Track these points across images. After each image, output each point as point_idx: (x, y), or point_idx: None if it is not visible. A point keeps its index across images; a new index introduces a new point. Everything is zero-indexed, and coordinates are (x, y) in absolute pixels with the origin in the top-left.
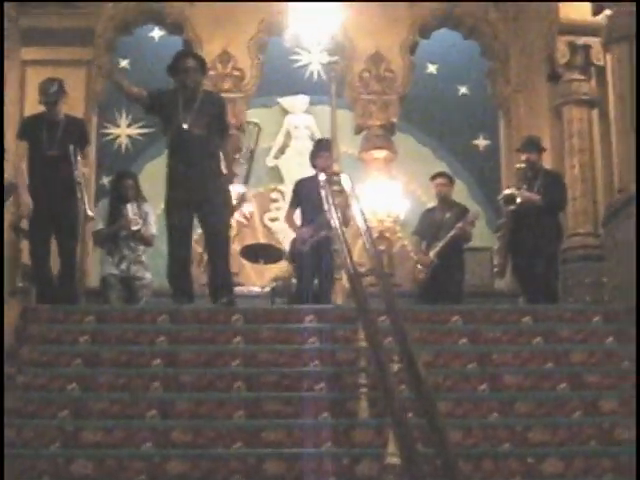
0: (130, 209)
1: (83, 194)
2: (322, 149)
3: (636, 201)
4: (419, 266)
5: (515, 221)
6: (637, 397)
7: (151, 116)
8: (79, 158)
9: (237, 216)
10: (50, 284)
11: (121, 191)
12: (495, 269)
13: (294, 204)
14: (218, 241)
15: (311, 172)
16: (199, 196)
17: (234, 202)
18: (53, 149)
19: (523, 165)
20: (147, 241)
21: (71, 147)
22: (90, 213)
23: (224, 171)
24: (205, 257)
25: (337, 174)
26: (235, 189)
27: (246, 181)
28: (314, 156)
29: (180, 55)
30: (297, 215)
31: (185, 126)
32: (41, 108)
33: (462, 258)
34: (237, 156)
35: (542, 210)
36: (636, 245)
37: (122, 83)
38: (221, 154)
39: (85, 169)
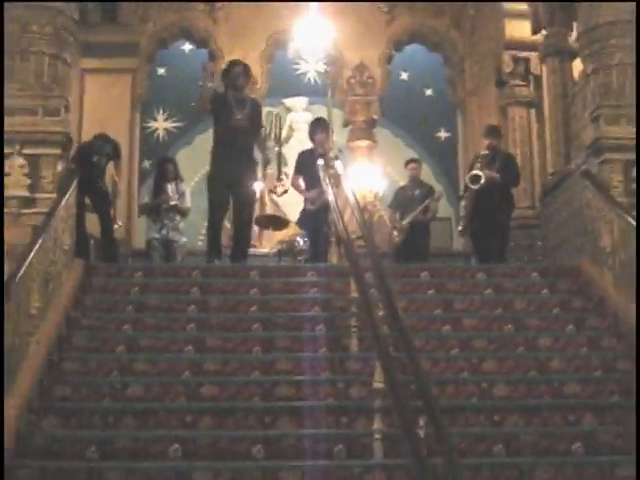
0: (170, 187)
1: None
2: (319, 127)
3: (636, 196)
4: (395, 232)
5: (477, 194)
6: (637, 383)
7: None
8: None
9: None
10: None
11: (163, 172)
12: (459, 229)
13: (297, 171)
14: (245, 213)
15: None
16: (235, 176)
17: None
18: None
19: (487, 152)
20: (183, 213)
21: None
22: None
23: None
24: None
25: (335, 157)
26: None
27: (279, 160)
28: (313, 132)
29: (231, 63)
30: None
31: (239, 117)
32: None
33: (428, 227)
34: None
35: (500, 186)
36: (636, 239)
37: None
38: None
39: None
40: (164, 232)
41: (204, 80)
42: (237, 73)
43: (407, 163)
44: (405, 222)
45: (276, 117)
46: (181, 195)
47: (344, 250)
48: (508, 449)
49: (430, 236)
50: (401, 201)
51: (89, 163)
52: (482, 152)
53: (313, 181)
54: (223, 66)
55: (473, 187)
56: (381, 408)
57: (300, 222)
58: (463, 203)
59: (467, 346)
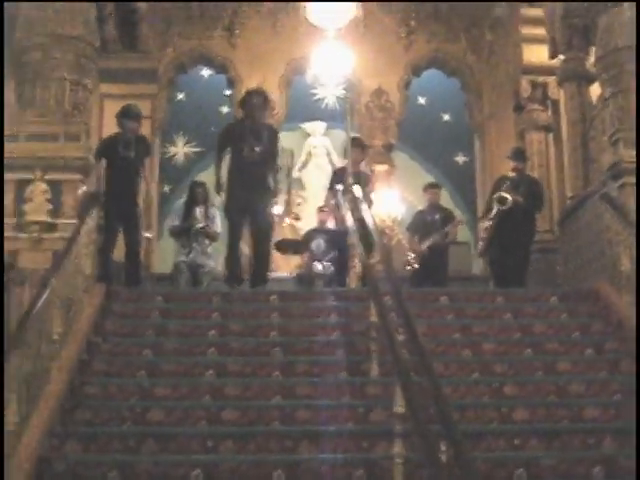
0: (198, 211)
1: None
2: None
3: (636, 205)
4: (411, 255)
5: (501, 217)
6: (637, 391)
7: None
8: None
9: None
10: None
11: (193, 196)
12: (479, 250)
13: (331, 189)
14: (263, 238)
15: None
16: (251, 203)
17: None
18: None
19: (514, 175)
20: (212, 237)
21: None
22: (148, 235)
23: (271, 185)
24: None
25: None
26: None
27: (289, 190)
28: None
29: (249, 92)
30: None
31: (256, 149)
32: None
33: (447, 252)
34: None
35: (524, 210)
36: (636, 242)
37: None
38: (269, 174)
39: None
40: (192, 256)
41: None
42: (255, 105)
43: (426, 188)
44: (424, 246)
45: (290, 153)
46: (211, 219)
47: (363, 273)
48: (529, 473)
49: (448, 261)
50: (419, 225)
51: (116, 156)
52: (509, 174)
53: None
54: (242, 93)
55: (501, 208)
56: (402, 432)
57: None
58: (485, 225)
59: (487, 370)
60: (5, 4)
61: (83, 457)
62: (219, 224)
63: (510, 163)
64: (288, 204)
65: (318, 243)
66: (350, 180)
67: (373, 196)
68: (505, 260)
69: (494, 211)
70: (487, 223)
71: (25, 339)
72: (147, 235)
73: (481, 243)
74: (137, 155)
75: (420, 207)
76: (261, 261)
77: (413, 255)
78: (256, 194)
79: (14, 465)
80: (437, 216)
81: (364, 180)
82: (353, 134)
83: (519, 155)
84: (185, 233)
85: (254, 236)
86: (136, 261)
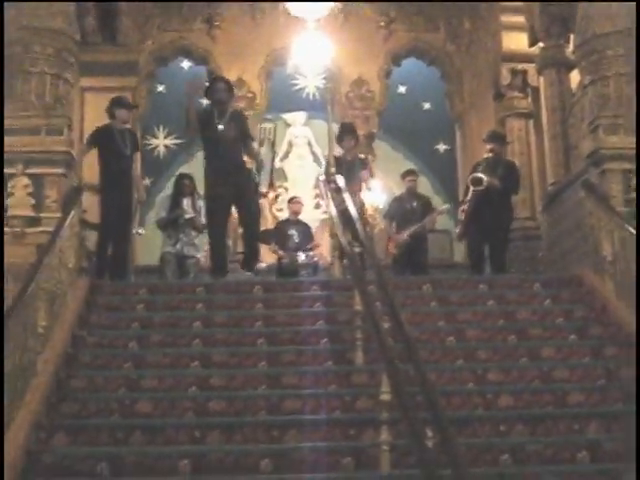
0: (185, 202)
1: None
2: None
3: (636, 202)
4: (391, 243)
5: (477, 200)
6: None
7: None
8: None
9: None
10: (109, 263)
11: (180, 188)
12: (457, 233)
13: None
14: (252, 224)
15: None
16: (235, 188)
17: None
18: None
19: (490, 155)
20: (199, 228)
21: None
22: (141, 231)
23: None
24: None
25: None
26: None
27: (272, 167)
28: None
29: (213, 79)
30: None
31: (221, 127)
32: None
33: (426, 239)
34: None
35: (500, 193)
36: (636, 243)
37: (191, 120)
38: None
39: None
40: (178, 247)
41: (187, 104)
42: (219, 88)
43: (404, 175)
44: (405, 235)
45: (269, 129)
46: (198, 211)
47: (348, 263)
48: (514, 458)
49: (428, 248)
50: (398, 212)
51: (112, 148)
52: (484, 156)
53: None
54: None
55: (476, 189)
56: (388, 420)
57: None
58: (462, 207)
59: (471, 357)
60: None
61: (71, 450)
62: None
63: (486, 146)
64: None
65: (291, 234)
66: (332, 169)
67: (371, 182)
68: (483, 243)
69: (470, 193)
70: (464, 206)
71: (10, 333)
72: (140, 232)
73: (459, 227)
74: (131, 150)
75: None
76: (253, 245)
77: (391, 244)
78: (238, 178)
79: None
80: (415, 204)
81: (360, 166)
82: (343, 121)
83: (495, 137)
84: (172, 224)
85: (243, 221)
86: (124, 255)
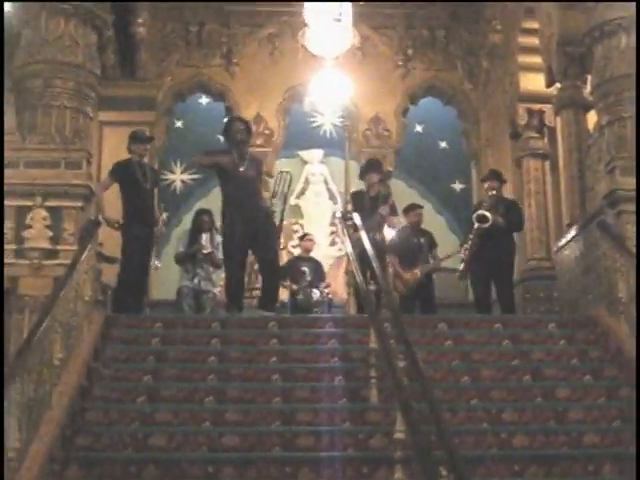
0: (204, 237)
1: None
2: (370, 168)
3: (636, 205)
4: (398, 281)
5: (481, 238)
6: (637, 401)
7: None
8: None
9: None
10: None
11: (199, 224)
12: (460, 272)
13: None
14: (271, 266)
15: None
16: (253, 229)
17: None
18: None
19: (493, 192)
20: (216, 264)
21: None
22: (157, 263)
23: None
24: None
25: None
26: None
27: (281, 217)
28: (365, 173)
29: (231, 119)
30: None
31: (242, 169)
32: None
33: (432, 277)
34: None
35: (503, 230)
36: (636, 252)
37: (202, 162)
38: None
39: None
40: (196, 281)
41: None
42: (238, 129)
43: (410, 209)
44: (418, 272)
45: (287, 174)
46: (216, 247)
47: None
48: None
49: (434, 287)
50: (402, 248)
51: (134, 181)
52: (489, 193)
53: (362, 222)
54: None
55: (481, 226)
56: (402, 458)
57: None
58: (465, 246)
59: (486, 397)
60: (6, 27)
61: None
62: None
63: (485, 184)
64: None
65: (304, 271)
66: (349, 207)
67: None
68: (488, 282)
69: (474, 230)
70: (466, 245)
71: (26, 365)
72: (157, 264)
73: (462, 266)
74: (152, 185)
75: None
76: (271, 284)
77: (401, 281)
78: (257, 218)
79: None
80: (422, 239)
81: (383, 201)
82: (371, 157)
83: (494, 176)
84: (190, 259)
85: (261, 260)
86: (143, 288)
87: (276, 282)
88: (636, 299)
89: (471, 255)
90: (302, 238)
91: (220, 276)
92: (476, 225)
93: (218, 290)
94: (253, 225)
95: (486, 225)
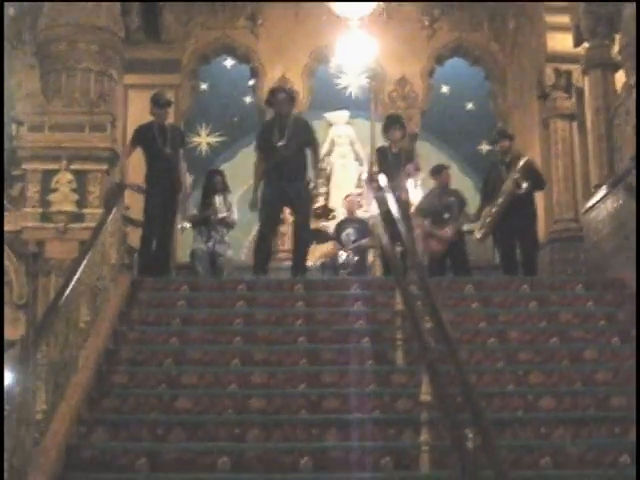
0: (217, 200)
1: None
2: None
3: (636, 194)
4: (433, 241)
5: (510, 203)
6: (637, 394)
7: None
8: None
9: None
10: (152, 260)
11: (211, 185)
12: (479, 236)
13: (380, 167)
14: (303, 231)
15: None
16: (291, 195)
17: None
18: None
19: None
20: (230, 225)
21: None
22: (187, 224)
23: (311, 178)
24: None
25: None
26: None
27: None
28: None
29: (273, 90)
30: None
31: (280, 143)
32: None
33: (464, 237)
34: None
35: (527, 194)
36: (636, 240)
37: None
38: (310, 164)
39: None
40: (210, 244)
41: None
42: (280, 99)
43: (438, 170)
44: (449, 231)
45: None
46: (229, 208)
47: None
48: (555, 461)
49: (466, 246)
50: (431, 208)
51: (155, 147)
52: (521, 163)
53: (390, 176)
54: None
55: (517, 192)
56: (428, 421)
57: None
58: (494, 209)
59: (513, 359)
60: None
61: (111, 445)
62: (236, 212)
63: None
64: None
65: (348, 233)
66: (374, 168)
67: (418, 176)
68: (514, 244)
69: (504, 196)
70: (491, 208)
71: (53, 328)
72: (186, 225)
73: (481, 229)
74: (174, 147)
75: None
76: (301, 251)
77: (436, 241)
78: (295, 186)
79: (42, 452)
80: (451, 198)
81: (404, 159)
82: (390, 112)
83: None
84: (203, 222)
85: (295, 226)
86: (167, 251)
87: (307, 248)
88: (636, 292)
89: (496, 219)
90: (345, 198)
91: (234, 237)
92: (509, 187)
93: (231, 252)
94: (289, 188)
95: (521, 192)
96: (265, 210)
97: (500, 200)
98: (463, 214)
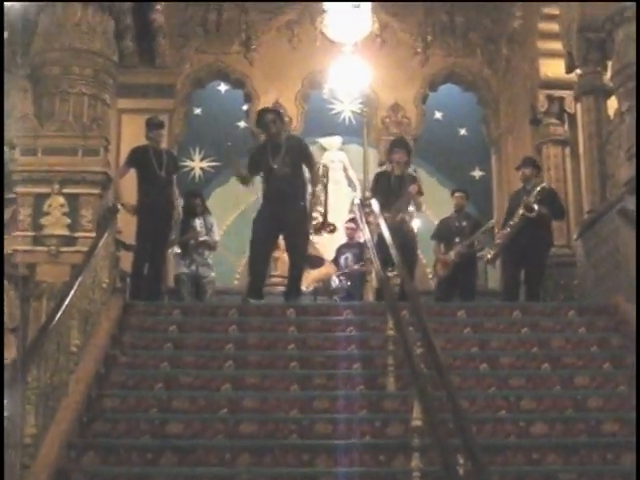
0: (198, 223)
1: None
2: (397, 146)
3: (636, 203)
4: (439, 265)
5: (522, 226)
6: (637, 397)
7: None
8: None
9: None
10: (144, 284)
11: (191, 207)
12: (488, 257)
13: (374, 191)
14: (298, 253)
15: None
16: (286, 219)
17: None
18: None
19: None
20: (212, 247)
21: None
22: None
23: (308, 196)
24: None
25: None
26: None
27: (325, 209)
28: (391, 152)
29: (261, 112)
30: None
31: (275, 166)
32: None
33: (475, 262)
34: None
35: (544, 219)
36: (636, 247)
37: (242, 173)
38: (309, 184)
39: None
40: (193, 267)
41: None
42: (269, 120)
43: (453, 192)
44: (452, 255)
45: (324, 168)
46: (209, 229)
47: (381, 288)
48: None
49: (477, 272)
50: (444, 232)
51: (148, 168)
52: (538, 188)
53: (388, 202)
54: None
55: (528, 215)
56: (420, 446)
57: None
58: (503, 231)
59: (504, 384)
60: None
61: (101, 469)
62: (217, 232)
63: (519, 172)
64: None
65: (346, 257)
66: (367, 193)
67: (420, 199)
68: (520, 269)
69: (516, 219)
70: (504, 230)
71: (43, 352)
72: (177, 250)
73: (491, 251)
74: (168, 171)
75: (436, 221)
76: (295, 277)
77: (439, 264)
78: (291, 209)
79: (32, 476)
80: (464, 223)
81: (408, 182)
82: (396, 136)
83: (528, 162)
84: (184, 245)
85: (289, 251)
86: (159, 275)
87: (301, 272)
88: (636, 300)
89: (506, 242)
90: (346, 223)
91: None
92: (520, 214)
93: (214, 274)
94: (284, 211)
95: (532, 215)
96: (257, 235)
97: (511, 223)
98: (476, 237)
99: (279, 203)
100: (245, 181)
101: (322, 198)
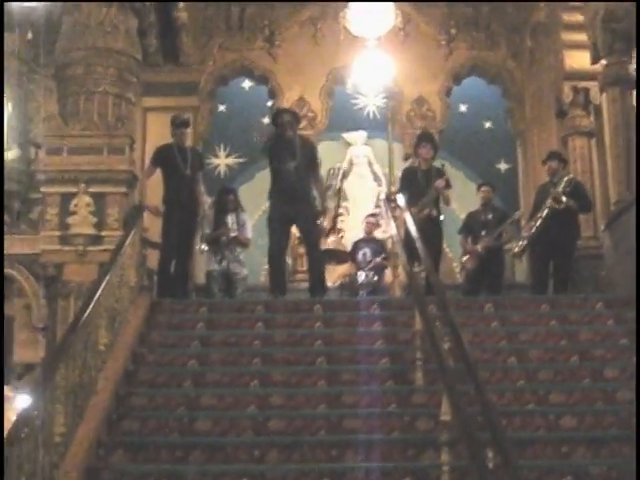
0: (230, 219)
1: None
2: (424, 140)
3: (636, 205)
4: (464, 258)
5: (550, 219)
6: (637, 398)
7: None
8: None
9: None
10: (171, 282)
11: (224, 203)
12: (515, 251)
13: (402, 188)
14: (313, 248)
15: None
16: (297, 214)
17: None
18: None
19: (566, 179)
20: (244, 244)
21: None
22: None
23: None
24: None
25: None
26: None
27: (336, 213)
28: (417, 146)
29: (277, 112)
30: None
31: (288, 166)
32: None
33: (503, 255)
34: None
35: (571, 212)
36: (636, 245)
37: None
38: (315, 189)
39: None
40: (224, 264)
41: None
42: (285, 121)
43: (479, 186)
44: (479, 246)
45: (339, 170)
46: (242, 226)
47: (408, 283)
48: None
49: (505, 265)
50: (471, 225)
51: (173, 166)
52: (565, 178)
53: (415, 198)
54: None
55: (555, 207)
56: (448, 441)
57: None
58: (531, 223)
59: (533, 378)
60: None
61: (130, 467)
62: (250, 230)
63: (545, 165)
64: (334, 222)
65: (364, 253)
66: (392, 188)
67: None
68: (549, 261)
69: (544, 211)
70: (532, 223)
71: (71, 351)
72: (204, 247)
73: (520, 243)
74: (193, 169)
75: (462, 215)
76: (316, 270)
77: (466, 257)
78: (300, 206)
79: (61, 475)
80: (491, 216)
81: (435, 177)
82: (423, 130)
83: (553, 155)
84: (216, 241)
85: (305, 247)
86: (186, 273)
87: (321, 267)
88: (636, 300)
89: (534, 234)
90: (365, 218)
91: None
92: (548, 202)
93: (247, 271)
94: (296, 207)
95: (561, 207)
96: (271, 230)
97: (539, 215)
98: (504, 228)
99: (288, 204)
100: (264, 152)
101: (333, 205)
